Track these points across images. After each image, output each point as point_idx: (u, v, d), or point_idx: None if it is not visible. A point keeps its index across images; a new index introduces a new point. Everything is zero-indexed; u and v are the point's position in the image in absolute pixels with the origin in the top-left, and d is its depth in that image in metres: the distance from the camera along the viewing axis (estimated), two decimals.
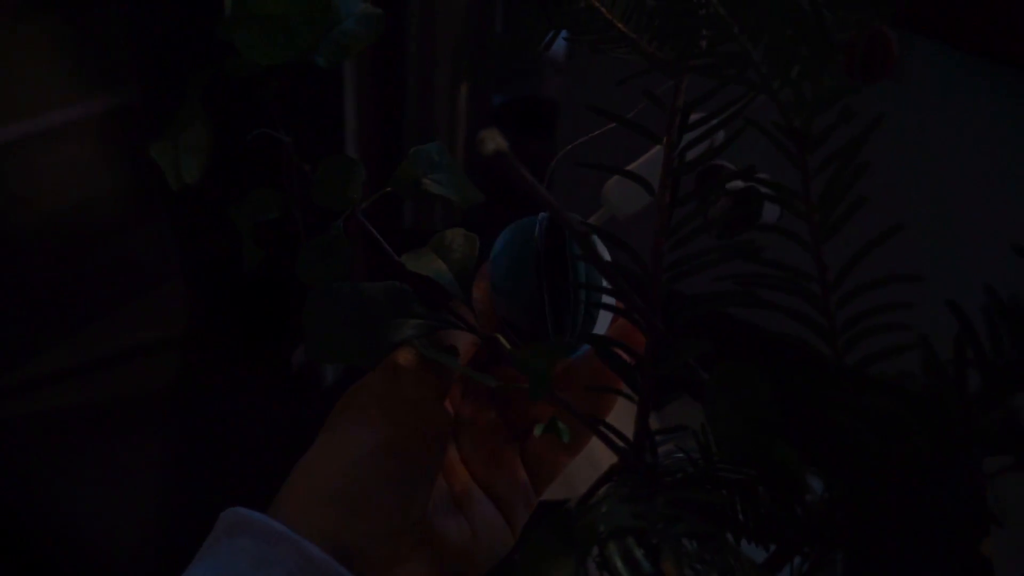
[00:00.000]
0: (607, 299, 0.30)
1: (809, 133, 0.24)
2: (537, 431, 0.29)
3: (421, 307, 0.29)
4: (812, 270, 0.25)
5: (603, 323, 0.32)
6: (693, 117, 0.29)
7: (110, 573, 0.40)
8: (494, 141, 0.24)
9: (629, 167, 0.39)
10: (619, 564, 0.24)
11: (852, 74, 0.49)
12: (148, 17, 0.49)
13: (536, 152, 0.67)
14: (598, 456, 0.31)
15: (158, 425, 0.48)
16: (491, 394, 0.33)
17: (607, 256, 0.32)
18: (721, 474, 0.27)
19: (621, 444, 0.27)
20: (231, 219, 0.35)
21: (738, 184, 0.35)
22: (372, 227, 0.34)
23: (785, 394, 0.25)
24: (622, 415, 0.31)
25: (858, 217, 0.25)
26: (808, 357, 0.26)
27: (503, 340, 0.27)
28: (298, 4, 0.32)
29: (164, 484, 0.46)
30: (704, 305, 0.26)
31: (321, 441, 0.27)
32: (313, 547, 0.24)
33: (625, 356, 0.26)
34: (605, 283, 0.29)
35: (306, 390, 0.48)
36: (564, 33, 0.33)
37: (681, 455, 0.28)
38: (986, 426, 0.23)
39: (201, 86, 0.35)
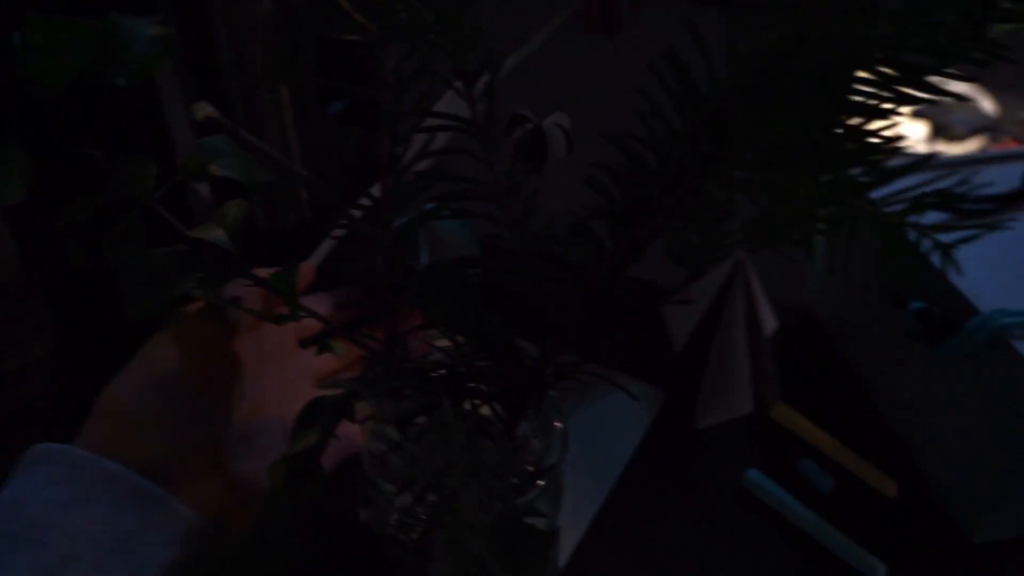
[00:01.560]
0: None
1: (467, 71, 0.32)
2: (316, 353, 0.36)
3: (203, 265, 0.35)
4: (490, 178, 0.32)
5: None
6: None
7: None
8: (204, 110, 0.31)
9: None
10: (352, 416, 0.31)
11: (591, 30, 0.57)
12: None
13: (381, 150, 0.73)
14: None
15: (36, 438, 0.53)
16: None
17: None
18: (470, 361, 0.33)
19: (373, 345, 0.33)
20: (54, 226, 0.41)
21: (528, 127, 0.43)
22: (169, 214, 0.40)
23: (486, 278, 0.32)
24: None
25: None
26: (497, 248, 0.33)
27: (261, 273, 0.34)
28: (75, 32, 0.38)
29: None
30: (417, 222, 0.33)
31: (120, 375, 0.33)
32: (113, 463, 0.29)
33: None
34: None
35: None
36: None
37: (439, 355, 0.35)
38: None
39: (6, 111, 0.41)
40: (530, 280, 0.31)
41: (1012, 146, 0.93)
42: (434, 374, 0.31)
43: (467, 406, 0.31)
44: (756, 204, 0.28)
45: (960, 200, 0.51)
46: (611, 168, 0.29)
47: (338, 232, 0.45)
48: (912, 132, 1.00)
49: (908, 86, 0.28)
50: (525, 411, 0.33)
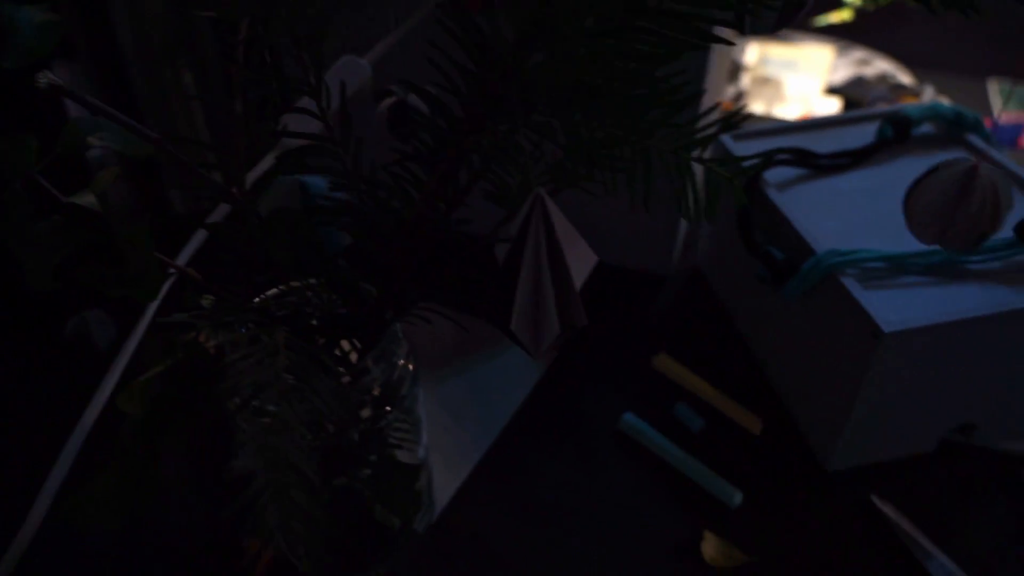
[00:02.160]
0: None
1: (299, 37, 0.35)
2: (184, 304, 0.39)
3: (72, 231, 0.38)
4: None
5: None
6: None
7: None
8: (45, 78, 0.34)
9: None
10: (200, 349, 0.34)
11: (474, 9, 0.60)
12: None
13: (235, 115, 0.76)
14: None
15: None
16: None
17: None
18: (316, 300, 0.37)
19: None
20: None
21: (392, 100, 0.46)
22: (53, 188, 0.43)
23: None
24: None
25: None
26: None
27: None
28: None
29: None
30: (272, 173, 0.36)
31: None
32: None
33: None
34: None
35: (79, 358, 0.56)
36: None
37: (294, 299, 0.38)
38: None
39: None
40: (362, 226, 0.34)
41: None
42: (277, 311, 0.34)
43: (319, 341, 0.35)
44: (557, 147, 0.32)
45: (813, 156, 0.55)
46: (417, 113, 0.32)
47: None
48: (826, 107, 1.05)
49: (682, 33, 0.32)
50: (373, 345, 0.36)
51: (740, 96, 1.04)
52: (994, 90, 1.12)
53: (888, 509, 0.47)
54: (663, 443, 0.51)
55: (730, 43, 0.31)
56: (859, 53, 1.27)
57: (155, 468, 0.35)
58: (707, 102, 0.74)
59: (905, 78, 1.18)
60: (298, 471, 0.27)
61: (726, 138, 0.57)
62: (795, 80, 1.10)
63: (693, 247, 0.68)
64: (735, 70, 1.15)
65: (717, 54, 0.63)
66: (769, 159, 0.52)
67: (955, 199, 0.35)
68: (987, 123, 1.30)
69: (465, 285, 0.36)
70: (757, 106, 1.01)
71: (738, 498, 0.48)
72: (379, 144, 0.38)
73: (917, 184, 0.35)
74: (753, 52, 1.18)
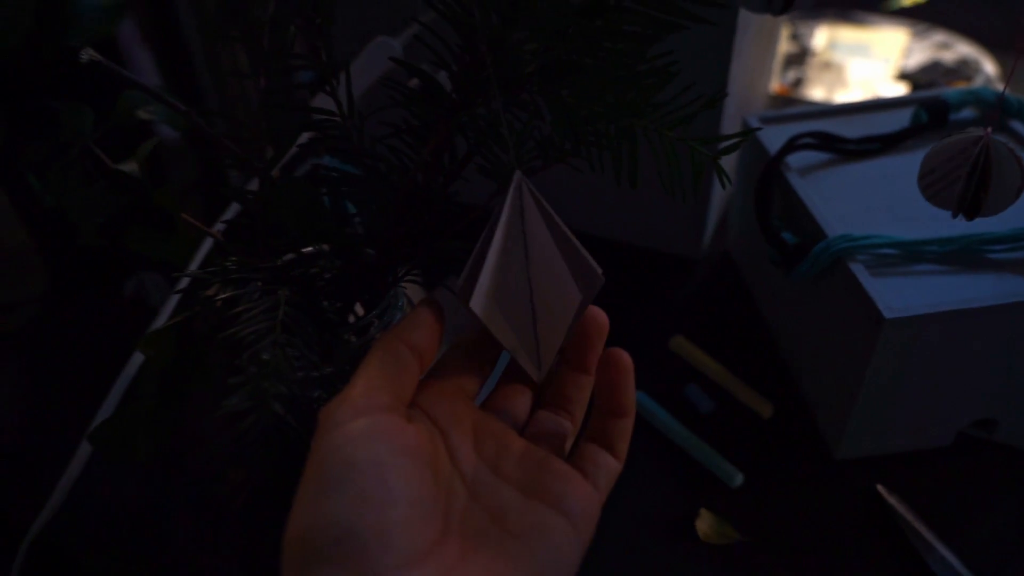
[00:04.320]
0: None
1: (307, 12, 0.38)
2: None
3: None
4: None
5: None
6: None
7: None
8: (87, 54, 0.38)
9: None
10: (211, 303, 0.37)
11: None
12: None
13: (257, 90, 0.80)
14: None
15: (22, 359, 0.63)
16: None
17: None
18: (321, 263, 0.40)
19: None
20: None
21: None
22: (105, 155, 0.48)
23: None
24: None
25: None
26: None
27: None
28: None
29: (27, 407, 0.60)
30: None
31: None
32: None
33: None
34: None
35: (137, 314, 0.62)
36: None
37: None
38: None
39: None
40: (364, 196, 0.37)
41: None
42: (288, 272, 0.38)
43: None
44: (543, 123, 0.34)
45: (838, 140, 0.54)
46: (404, 90, 0.34)
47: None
48: (892, 94, 1.01)
49: (666, 14, 0.33)
50: (354, 303, 0.39)
51: (799, 82, 1.02)
52: None
53: (893, 500, 0.47)
54: (669, 421, 0.52)
55: (711, 22, 0.32)
56: (940, 36, 1.22)
57: (175, 406, 0.39)
58: (753, 89, 0.74)
59: (988, 64, 1.13)
60: (279, 414, 0.30)
61: (753, 121, 0.57)
62: (860, 65, 1.06)
63: (726, 231, 0.68)
64: (802, 55, 1.13)
65: (759, 40, 0.63)
66: (791, 143, 0.52)
67: (953, 162, 0.35)
68: None
69: (456, 255, 0.38)
70: (817, 92, 0.98)
71: (739, 479, 0.48)
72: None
73: (937, 144, 0.36)
74: (822, 36, 1.15)
